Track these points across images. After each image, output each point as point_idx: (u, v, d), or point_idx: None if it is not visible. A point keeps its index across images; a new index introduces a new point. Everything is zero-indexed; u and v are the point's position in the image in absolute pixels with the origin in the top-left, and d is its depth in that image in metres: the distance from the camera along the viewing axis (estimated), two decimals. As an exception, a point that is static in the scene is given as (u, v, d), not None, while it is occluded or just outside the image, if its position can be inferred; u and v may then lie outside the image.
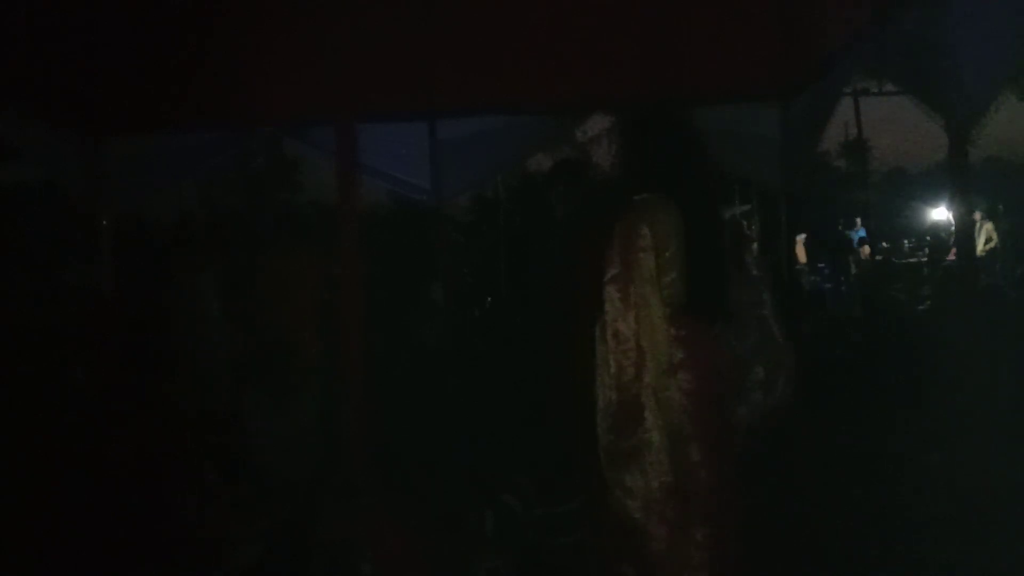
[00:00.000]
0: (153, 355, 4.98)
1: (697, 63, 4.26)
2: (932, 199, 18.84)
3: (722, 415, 2.59)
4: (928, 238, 17.58)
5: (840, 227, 15.14)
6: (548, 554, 3.45)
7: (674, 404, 2.50)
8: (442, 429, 4.45)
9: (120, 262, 4.94)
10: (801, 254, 13.02)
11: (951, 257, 10.32)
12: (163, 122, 4.63)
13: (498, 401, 4.76)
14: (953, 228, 10.50)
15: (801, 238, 13.08)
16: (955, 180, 4.46)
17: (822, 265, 13.27)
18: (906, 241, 19.11)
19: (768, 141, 4.91)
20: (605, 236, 2.60)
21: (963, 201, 4.56)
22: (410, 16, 3.96)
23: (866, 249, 14.15)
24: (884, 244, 16.36)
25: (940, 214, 17.17)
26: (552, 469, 3.74)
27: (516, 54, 4.32)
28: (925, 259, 14.32)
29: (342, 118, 3.84)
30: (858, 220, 15.31)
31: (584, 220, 3.42)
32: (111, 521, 3.46)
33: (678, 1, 4.24)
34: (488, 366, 5.30)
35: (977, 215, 10.75)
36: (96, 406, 4.34)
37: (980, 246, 10.94)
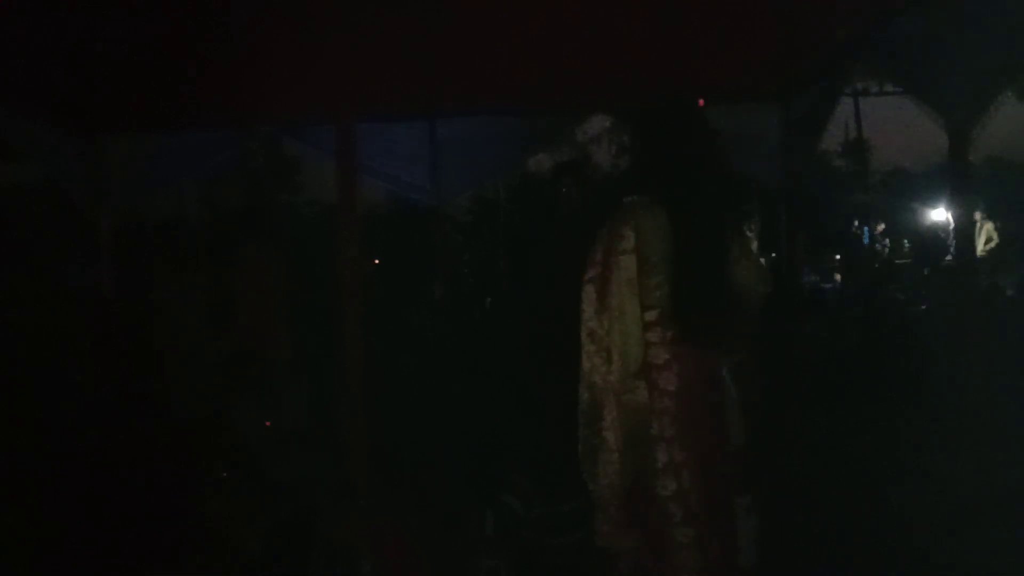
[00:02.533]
0: (149, 355, 4.97)
1: (697, 63, 4.26)
2: (932, 199, 18.81)
3: (713, 418, 2.60)
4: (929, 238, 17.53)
5: (856, 227, 14.96)
6: (548, 554, 3.45)
7: (640, 407, 2.53)
8: (442, 429, 4.45)
9: (120, 261, 4.94)
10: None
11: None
12: (163, 121, 4.63)
13: (498, 401, 4.76)
14: (952, 228, 10.49)
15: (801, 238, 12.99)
16: (955, 180, 4.46)
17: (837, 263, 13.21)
18: (906, 241, 19.06)
19: (768, 141, 4.91)
20: (592, 238, 2.62)
21: (963, 201, 4.56)
22: (410, 15, 3.96)
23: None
24: (885, 243, 16.29)
25: (940, 214, 17.12)
26: (552, 468, 3.74)
27: (516, 54, 4.31)
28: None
29: (342, 118, 3.84)
30: (882, 225, 14.97)
31: (579, 221, 3.43)
32: (112, 520, 3.45)
33: (678, 1, 4.24)
34: (488, 366, 5.30)
35: (978, 215, 10.72)
36: (96, 405, 4.34)
37: (980, 246, 10.92)
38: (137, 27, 3.73)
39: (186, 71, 3.99)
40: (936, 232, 16.41)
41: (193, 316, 5.16)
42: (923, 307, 8.38)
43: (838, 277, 13.02)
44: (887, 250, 15.86)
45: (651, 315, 2.56)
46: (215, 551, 3.37)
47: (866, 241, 14.01)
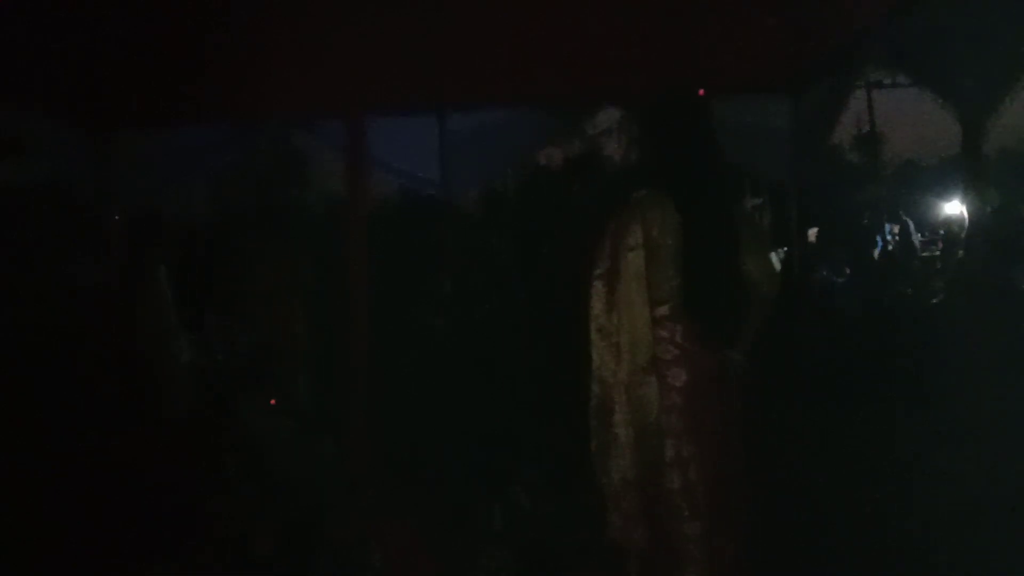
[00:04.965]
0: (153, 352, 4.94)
1: (708, 55, 4.23)
2: (946, 192, 18.68)
3: (721, 413, 2.59)
4: (942, 232, 17.43)
5: (868, 221, 14.81)
6: (556, 549, 3.44)
7: (651, 401, 2.52)
8: (451, 424, 4.45)
9: (125, 260, 4.94)
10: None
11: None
12: (170, 117, 4.62)
13: (508, 396, 4.76)
14: (967, 221, 10.41)
15: (813, 232, 12.94)
16: (969, 173, 4.43)
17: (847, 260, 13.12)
18: (919, 235, 18.93)
19: (780, 134, 4.88)
20: (602, 233, 2.63)
21: (977, 194, 4.53)
22: (420, 8, 3.94)
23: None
24: (896, 237, 16.21)
25: (954, 207, 17.02)
26: (562, 463, 3.74)
27: (526, 47, 4.29)
28: (938, 253, 14.21)
29: (352, 112, 3.83)
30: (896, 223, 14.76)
31: (589, 216, 3.44)
32: (114, 519, 3.46)
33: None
34: (498, 360, 5.29)
35: (990, 209, 10.61)
36: (97, 405, 4.33)
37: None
38: (142, 21, 3.73)
39: (193, 65, 3.98)
40: (950, 226, 16.29)
41: (201, 313, 5.16)
42: (933, 301, 8.33)
43: (848, 271, 12.92)
44: (898, 244, 15.75)
45: (663, 310, 2.55)
46: (220, 550, 3.37)
47: (878, 235, 13.91)
